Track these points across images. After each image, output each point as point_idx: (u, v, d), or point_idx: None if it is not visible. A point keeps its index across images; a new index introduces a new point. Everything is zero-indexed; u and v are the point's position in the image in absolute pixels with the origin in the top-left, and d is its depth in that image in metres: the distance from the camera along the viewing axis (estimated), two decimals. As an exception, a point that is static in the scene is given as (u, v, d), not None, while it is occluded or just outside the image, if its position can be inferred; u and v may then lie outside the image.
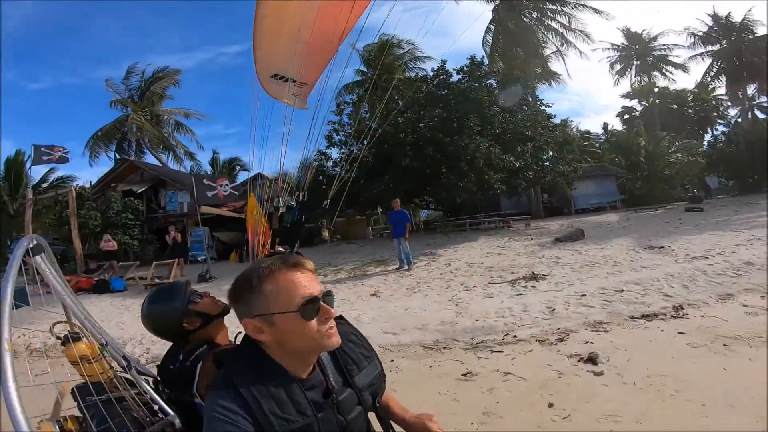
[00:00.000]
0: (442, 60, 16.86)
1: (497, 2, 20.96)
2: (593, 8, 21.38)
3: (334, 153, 18.00)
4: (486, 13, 21.24)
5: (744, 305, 4.76)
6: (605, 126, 37.62)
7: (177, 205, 17.25)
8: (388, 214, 9.90)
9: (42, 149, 13.03)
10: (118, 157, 21.86)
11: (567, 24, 21.29)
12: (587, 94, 69.23)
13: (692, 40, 28.47)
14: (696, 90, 32.23)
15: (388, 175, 14.59)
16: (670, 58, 30.12)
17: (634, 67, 30.91)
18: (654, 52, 30.34)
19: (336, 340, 0.88)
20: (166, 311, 1.45)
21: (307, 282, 0.86)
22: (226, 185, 12.41)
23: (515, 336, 4.60)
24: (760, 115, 30.40)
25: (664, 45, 30.28)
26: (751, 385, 2.88)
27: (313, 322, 0.84)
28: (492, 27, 21.43)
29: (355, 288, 8.15)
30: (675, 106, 32.29)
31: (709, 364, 3.39)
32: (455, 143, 13.32)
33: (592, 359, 3.75)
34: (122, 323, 7.15)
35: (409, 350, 4.60)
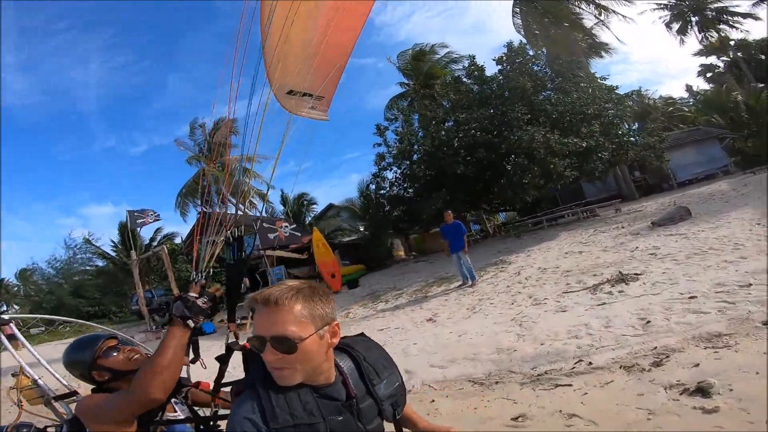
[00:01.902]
0: (470, 55, 16.01)
1: None
2: None
3: (389, 174, 17.86)
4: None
5: None
6: (689, 88, 33.61)
7: (252, 248, 18.46)
8: (441, 229, 9.16)
9: (135, 213, 14.88)
10: (201, 210, 24.35)
11: None
12: (656, 60, 63.24)
13: None
14: None
15: (445, 187, 13.91)
16: (731, 8, 26.36)
17: (694, 23, 27.56)
18: (710, 5, 26.81)
19: (280, 380, 0.89)
20: (75, 361, 1.57)
21: (260, 321, 0.90)
22: (286, 227, 12.79)
23: (590, 363, 3.54)
24: None
25: None
26: None
27: (265, 356, 0.89)
28: (518, 9, 19.90)
29: (412, 314, 7.50)
30: (763, 56, 27.56)
31: None
32: (506, 139, 12.21)
33: (702, 390, 2.65)
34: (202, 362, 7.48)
35: (454, 387, 3.84)
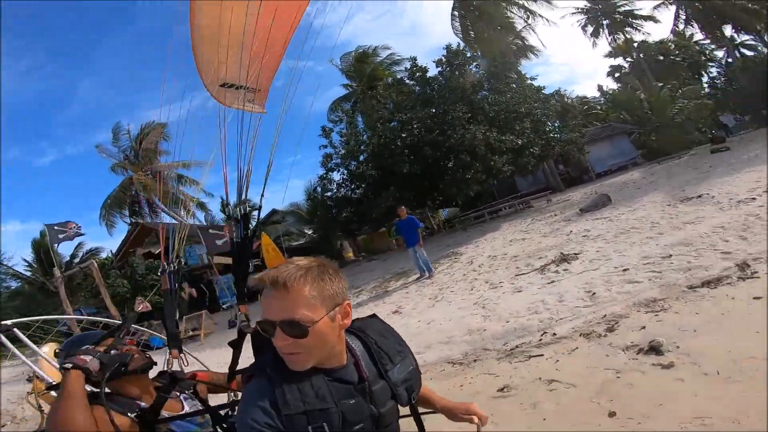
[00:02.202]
0: (412, 57, 16.55)
1: None
2: None
3: (335, 175, 17.77)
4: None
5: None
6: (600, 88, 37.41)
7: (197, 258, 17.26)
8: (397, 224, 9.37)
9: (55, 228, 13.14)
10: (131, 221, 22.20)
11: None
12: (573, 61, 69.34)
13: None
14: (674, 38, 31.78)
15: (393, 186, 14.17)
16: (636, 12, 29.35)
17: (605, 26, 30.27)
18: (619, 8, 29.52)
19: (292, 365, 0.87)
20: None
21: (269, 304, 0.87)
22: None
23: (554, 333, 3.88)
24: (748, 53, 29.81)
25: (625, 0, 29.41)
26: None
27: (276, 341, 0.87)
28: (456, 13, 21.00)
29: (376, 309, 7.54)
30: (661, 57, 31.70)
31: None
32: (450, 137, 12.80)
33: (655, 349, 3.03)
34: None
35: (435, 369, 3.97)
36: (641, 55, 29.79)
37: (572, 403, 2.68)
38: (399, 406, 0.99)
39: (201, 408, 1.55)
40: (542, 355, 3.51)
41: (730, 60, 29.21)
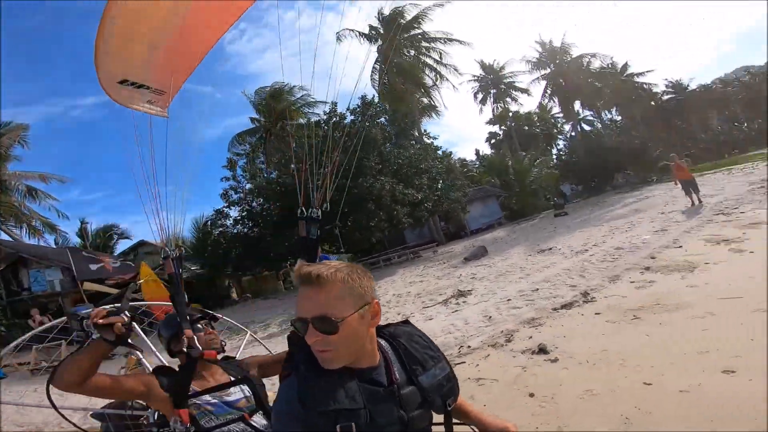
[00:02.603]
0: (332, 102, 17.65)
1: (380, 43, 22.44)
2: (458, 40, 23.78)
3: (233, 211, 16.99)
4: (372, 53, 22.99)
5: (631, 281, 5.75)
6: (477, 152, 39.59)
7: (46, 285, 13.92)
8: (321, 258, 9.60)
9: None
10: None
11: (439, 59, 23.60)
12: (461, 124, 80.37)
13: (529, 66, 32.02)
14: (538, 111, 36.45)
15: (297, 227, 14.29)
16: (517, 84, 33.47)
17: (491, 95, 33.61)
18: (504, 80, 33.21)
19: (324, 363, 0.88)
20: (161, 335, 1.79)
21: (301, 302, 0.88)
22: (115, 259, 10.57)
23: (469, 346, 4.71)
24: (586, 128, 35.78)
25: (510, 72, 33.38)
26: (675, 343, 3.42)
27: (308, 338, 0.87)
28: (377, 66, 23.13)
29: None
30: (526, 127, 36.54)
31: (632, 334, 3.94)
32: (359, 185, 13.76)
33: (542, 350, 4.03)
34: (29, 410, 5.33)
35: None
36: (512, 124, 34.89)
37: (500, 392, 3.39)
38: (433, 413, 0.99)
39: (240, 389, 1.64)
40: (464, 362, 4.23)
41: (573, 134, 34.24)
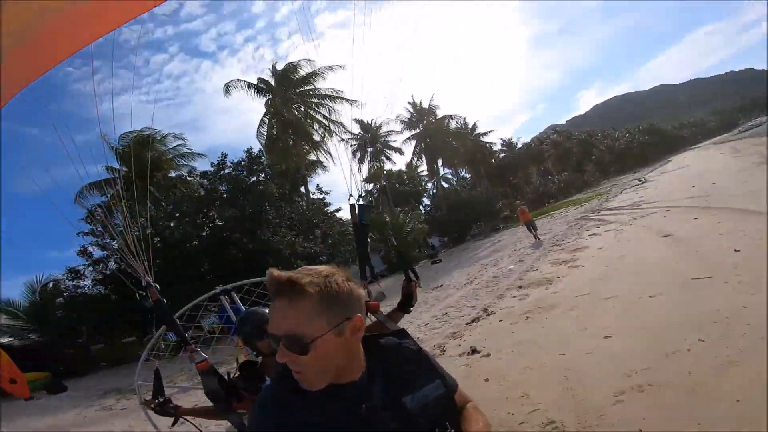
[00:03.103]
0: (222, 153, 17.04)
1: (270, 96, 22.70)
2: (347, 99, 24.02)
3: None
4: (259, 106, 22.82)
5: (513, 296, 7.31)
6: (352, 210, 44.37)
7: None
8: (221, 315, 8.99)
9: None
10: None
11: (328, 116, 24.35)
12: (339, 181, 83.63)
13: (401, 126, 34.61)
14: (407, 170, 38.51)
15: (184, 285, 12.84)
16: (391, 143, 35.04)
17: (369, 153, 34.58)
18: (380, 139, 34.48)
19: (301, 384, 0.81)
20: (239, 329, 2.07)
21: (274, 315, 0.80)
22: None
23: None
24: (445, 185, 39.12)
25: (386, 132, 34.76)
26: (564, 327, 4.71)
27: (278, 357, 0.80)
28: (266, 120, 23.11)
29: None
30: (398, 185, 37.87)
31: (532, 327, 5.17)
32: (257, 239, 13.44)
33: (475, 350, 4.92)
34: None
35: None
36: (384, 182, 36.30)
37: (461, 384, 4.09)
38: None
39: None
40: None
41: (434, 191, 37.30)
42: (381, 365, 0.90)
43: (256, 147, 20.10)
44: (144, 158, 18.95)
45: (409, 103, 34.96)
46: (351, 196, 2.01)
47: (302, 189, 21.32)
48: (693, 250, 5.86)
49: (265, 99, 22.90)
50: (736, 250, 4.99)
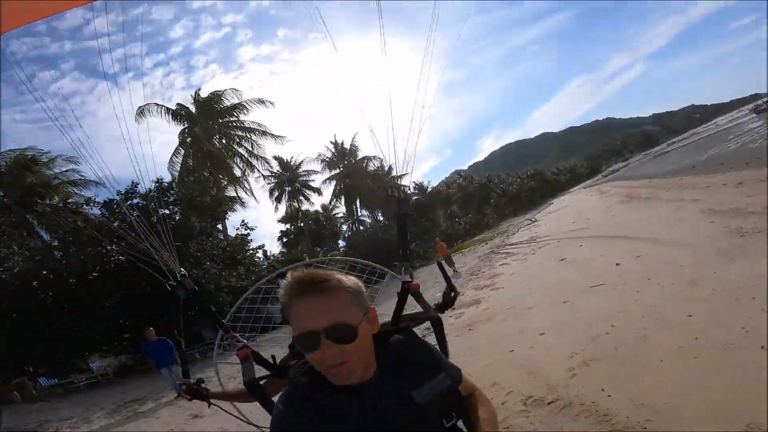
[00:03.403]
0: (133, 182, 15.25)
1: (187, 125, 21.13)
2: (272, 134, 23.83)
3: None
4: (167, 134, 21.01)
5: (450, 316, 7.99)
6: (264, 252, 40.90)
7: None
8: (144, 346, 8.14)
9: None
10: None
11: (250, 150, 23.37)
12: (263, 218, 78.51)
13: (322, 165, 33.88)
14: (323, 211, 37.83)
15: (90, 320, 11.06)
16: (310, 183, 33.84)
17: (286, 192, 33.22)
18: (300, 178, 33.29)
19: (338, 378, 0.81)
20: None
21: (309, 312, 0.79)
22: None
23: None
24: (361, 227, 38.11)
25: (305, 171, 33.63)
26: (506, 332, 5.50)
27: (313, 356, 0.80)
28: (182, 150, 21.28)
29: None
30: (314, 226, 36.87)
31: (478, 336, 5.87)
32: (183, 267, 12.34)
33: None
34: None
35: None
36: (301, 223, 34.84)
37: None
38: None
39: None
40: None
41: (349, 233, 36.63)
42: (390, 361, 0.92)
43: (155, 176, 18.30)
44: (23, 182, 16.16)
45: (331, 142, 35.15)
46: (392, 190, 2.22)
47: (219, 226, 19.88)
48: (585, 268, 7.37)
49: (182, 127, 21.45)
50: (616, 264, 6.52)
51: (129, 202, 14.44)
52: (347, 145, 34.51)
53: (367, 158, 34.81)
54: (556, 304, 5.74)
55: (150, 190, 15.74)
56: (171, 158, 21.43)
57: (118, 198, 14.65)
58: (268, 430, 0.89)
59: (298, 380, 0.89)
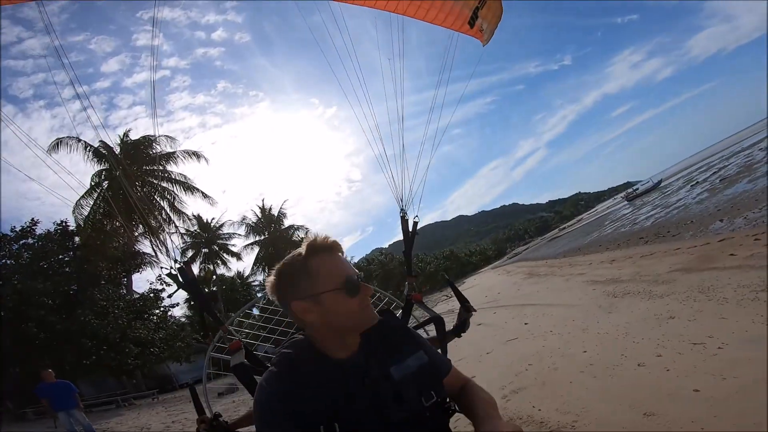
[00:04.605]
0: (33, 219, 13.27)
1: (104, 167, 18.81)
2: (203, 192, 21.67)
3: None
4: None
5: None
6: (166, 312, 35.48)
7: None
8: (40, 388, 6.89)
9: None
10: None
11: (172, 203, 20.97)
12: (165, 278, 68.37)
13: (246, 229, 31.04)
14: (239, 277, 35.33)
15: None
16: (230, 247, 30.73)
17: (202, 254, 30.10)
18: (219, 240, 30.39)
19: (373, 315, 0.91)
20: None
21: (343, 264, 0.92)
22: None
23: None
24: None
25: (226, 234, 30.59)
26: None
27: (356, 299, 0.88)
28: (95, 193, 18.58)
29: None
30: (230, 291, 34.19)
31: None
32: (76, 320, 10.64)
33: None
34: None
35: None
36: (214, 287, 30.95)
37: None
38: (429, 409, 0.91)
39: None
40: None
41: (264, 300, 36.82)
42: (372, 339, 0.93)
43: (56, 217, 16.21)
44: None
45: (258, 206, 32.81)
46: (402, 209, 2.43)
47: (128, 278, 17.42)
48: (501, 328, 8.41)
49: (100, 168, 19.29)
50: (525, 323, 7.63)
51: (22, 242, 12.41)
52: (275, 212, 32.40)
53: (294, 227, 33.01)
54: (482, 355, 6.49)
55: (51, 231, 13.84)
56: (78, 201, 18.77)
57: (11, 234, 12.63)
58: None
59: (283, 355, 0.90)
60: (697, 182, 29.73)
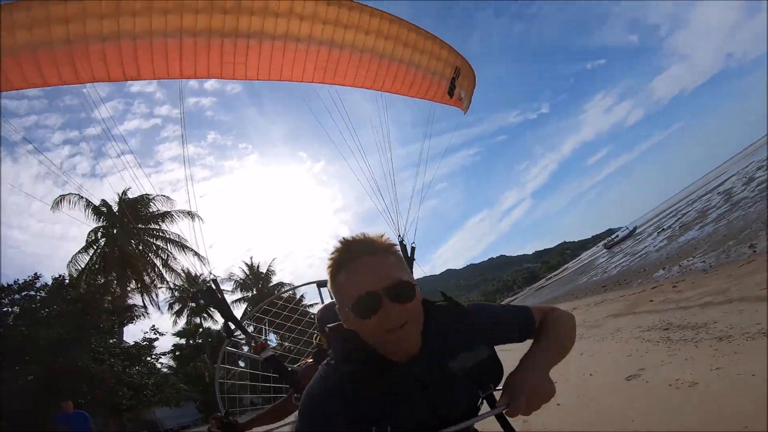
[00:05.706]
0: (35, 273, 14.00)
1: (104, 223, 19.57)
2: (195, 251, 20.07)
3: None
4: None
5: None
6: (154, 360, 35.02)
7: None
8: (59, 417, 7.41)
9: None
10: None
11: (165, 261, 21.43)
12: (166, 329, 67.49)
13: (234, 285, 31.12)
14: (226, 331, 38.16)
15: None
16: None
17: (189, 308, 30.10)
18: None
19: (398, 344, 0.75)
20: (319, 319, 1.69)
21: (365, 275, 0.73)
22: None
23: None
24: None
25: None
26: None
27: (372, 321, 0.73)
28: (94, 248, 19.32)
29: None
30: (216, 344, 33.14)
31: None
32: (71, 361, 11.14)
33: None
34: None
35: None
36: (200, 340, 31.39)
37: None
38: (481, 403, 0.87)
39: None
40: None
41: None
42: (434, 331, 0.84)
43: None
44: None
45: (245, 263, 32.48)
46: (399, 236, 2.63)
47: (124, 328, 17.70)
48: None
49: (97, 224, 19.65)
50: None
51: (25, 293, 13.09)
52: (263, 269, 32.13)
53: (281, 284, 32.64)
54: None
55: (47, 284, 14.50)
56: (75, 256, 19.19)
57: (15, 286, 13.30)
58: None
59: (333, 367, 0.82)
60: (663, 229, 31.76)
